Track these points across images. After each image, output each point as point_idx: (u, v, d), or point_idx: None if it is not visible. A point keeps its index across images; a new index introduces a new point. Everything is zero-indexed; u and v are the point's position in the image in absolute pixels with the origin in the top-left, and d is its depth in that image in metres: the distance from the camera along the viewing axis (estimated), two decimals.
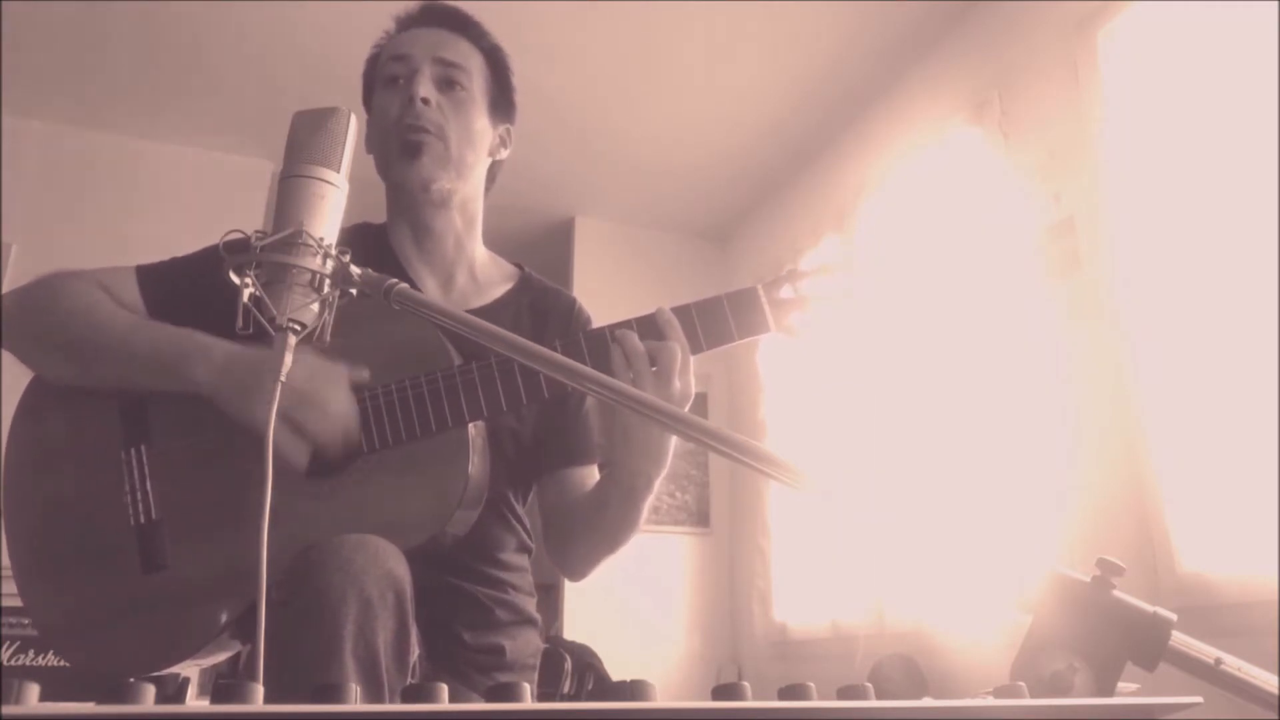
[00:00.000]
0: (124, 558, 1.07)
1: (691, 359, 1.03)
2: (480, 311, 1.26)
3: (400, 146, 1.23)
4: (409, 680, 0.90)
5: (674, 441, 1.10)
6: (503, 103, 1.35)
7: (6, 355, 1.18)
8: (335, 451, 1.03)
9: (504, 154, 1.38)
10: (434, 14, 1.33)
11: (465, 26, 1.33)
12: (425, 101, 1.23)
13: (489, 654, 1.17)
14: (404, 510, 1.03)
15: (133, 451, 1.11)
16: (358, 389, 1.06)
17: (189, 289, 1.13)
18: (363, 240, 1.31)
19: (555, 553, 1.30)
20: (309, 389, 1.00)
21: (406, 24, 1.33)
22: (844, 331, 1.08)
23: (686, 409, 1.01)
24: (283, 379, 0.75)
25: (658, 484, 1.13)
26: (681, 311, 1.05)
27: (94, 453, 1.12)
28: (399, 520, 1.01)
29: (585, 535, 1.24)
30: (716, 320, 1.05)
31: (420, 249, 1.31)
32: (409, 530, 1.00)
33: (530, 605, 1.26)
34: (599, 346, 1.04)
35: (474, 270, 1.34)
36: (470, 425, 1.06)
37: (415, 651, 0.96)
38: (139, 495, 1.09)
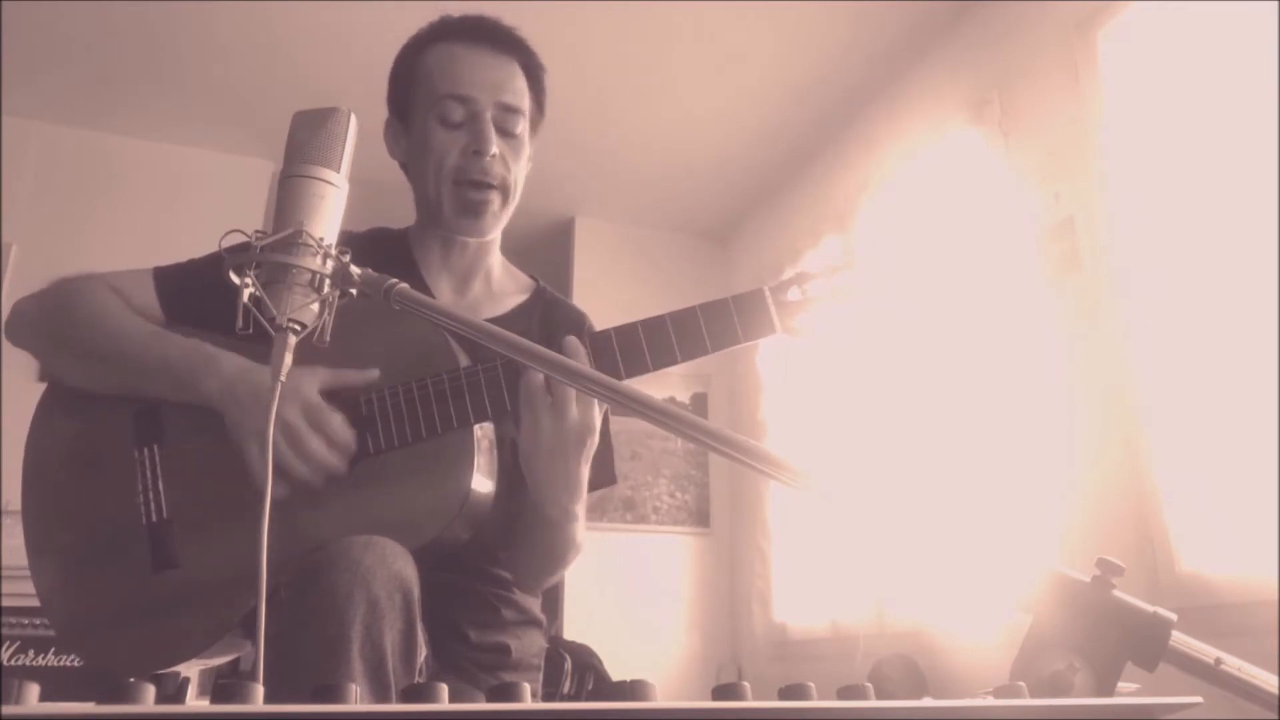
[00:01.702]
0: (136, 556, 1.08)
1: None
2: (493, 322, 1.26)
3: (460, 203, 1.23)
4: (417, 680, 0.91)
5: (586, 472, 1.08)
6: (538, 123, 1.34)
7: (10, 365, 1.19)
8: (315, 485, 1.04)
9: (529, 167, 1.37)
10: (487, 33, 1.28)
11: (518, 50, 1.29)
12: (494, 157, 1.22)
13: (494, 653, 1.17)
14: (409, 510, 1.04)
15: (145, 452, 1.12)
16: (364, 392, 1.07)
17: (204, 290, 1.14)
18: (382, 246, 1.31)
19: (506, 562, 1.26)
20: (294, 425, 1.01)
21: (456, 35, 1.27)
22: (846, 330, 1.09)
23: (590, 441, 1.04)
24: (282, 378, 0.75)
25: (579, 510, 1.12)
26: (688, 313, 1.05)
27: (108, 453, 1.13)
28: (404, 520, 1.02)
29: (524, 553, 1.21)
30: (722, 322, 1.04)
31: (445, 259, 1.31)
32: (414, 530, 1.00)
33: (535, 605, 1.26)
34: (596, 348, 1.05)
35: (490, 279, 1.35)
36: (476, 427, 1.06)
37: (423, 652, 0.96)
38: (151, 495, 1.10)
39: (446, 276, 1.32)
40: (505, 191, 1.25)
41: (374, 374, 1.07)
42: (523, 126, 1.27)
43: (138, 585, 1.08)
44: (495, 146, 1.22)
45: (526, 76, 1.29)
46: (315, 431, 1.03)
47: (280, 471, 1.01)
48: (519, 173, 1.27)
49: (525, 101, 1.27)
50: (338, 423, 1.04)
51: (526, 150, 1.29)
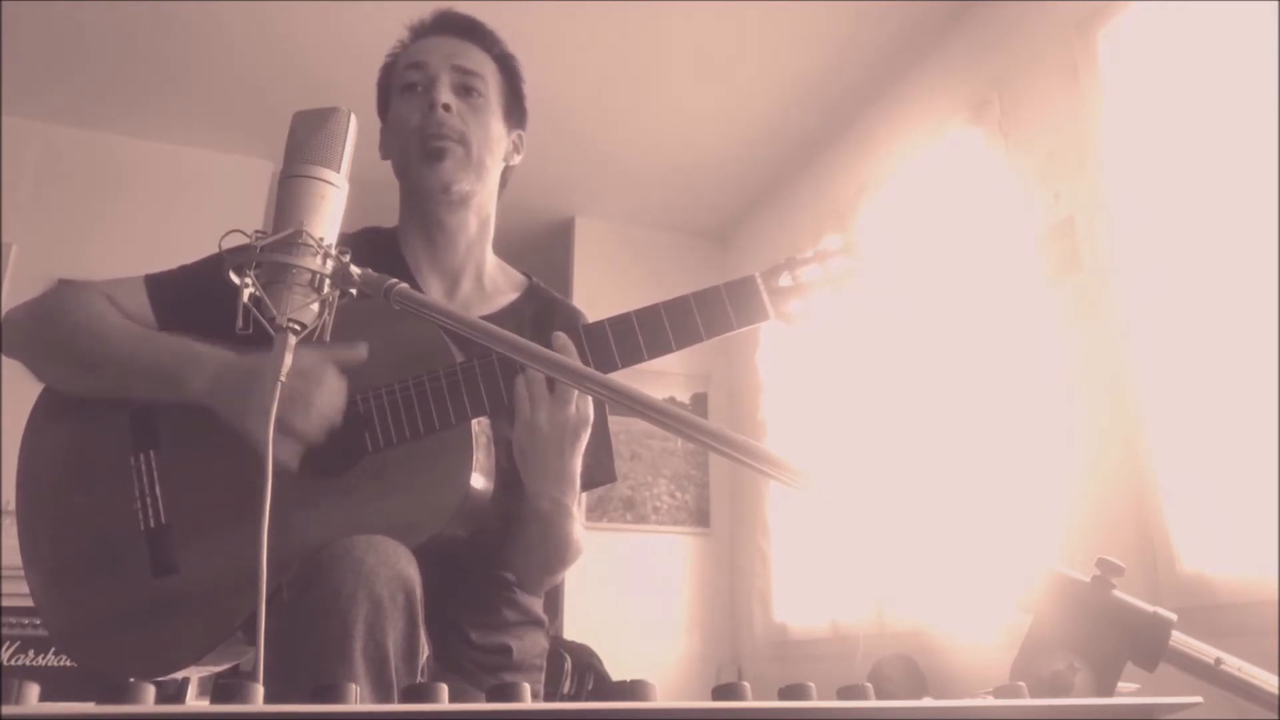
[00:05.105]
0: (135, 562, 1.08)
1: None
2: (483, 320, 1.27)
3: (422, 152, 1.25)
4: (419, 681, 0.91)
5: (578, 465, 1.09)
6: (515, 109, 1.37)
7: (10, 364, 1.19)
8: (325, 447, 1.03)
9: (517, 159, 1.39)
10: (448, 22, 1.34)
11: (479, 34, 1.34)
12: (446, 108, 1.25)
13: (496, 654, 1.17)
14: (409, 509, 1.04)
15: (141, 457, 1.12)
16: (361, 390, 1.07)
17: (197, 296, 1.14)
18: (371, 244, 1.31)
19: (507, 562, 1.24)
20: (293, 385, 1.00)
21: (421, 33, 1.34)
22: (843, 322, 1.09)
23: (584, 434, 1.06)
24: (282, 378, 0.75)
25: (573, 506, 1.12)
26: (680, 302, 1.06)
27: (105, 459, 1.13)
28: (404, 519, 1.02)
29: (522, 551, 1.20)
30: (715, 309, 1.05)
31: (431, 253, 1.31)
32: (415, 528, 1.00)
33: (537, 606, 1.26)
34: (593, 340, 1.05)
35: (481, 277, 1.35)
36: (474, 422, 1.06)
37: (425, 652, 0.96)
38: (148, 500, 1.10)
39: (436, 274, 1.31)
40: (465, 145, 1.26)
41: (362, 351, 1.07)
42: (481, 89, 1.29)
43: (137, 591, 1.07)
44: (448, 99, 1.25)
45: (492, 59, 1.33)
46: (315, 382, 1.02)
47: (292, 434, 1.01)
48: (483, 135, 1.28)
49: (485, 70, 1.31)
50: (332, 371, 1.04)
51: (492, 118, 1.30)
